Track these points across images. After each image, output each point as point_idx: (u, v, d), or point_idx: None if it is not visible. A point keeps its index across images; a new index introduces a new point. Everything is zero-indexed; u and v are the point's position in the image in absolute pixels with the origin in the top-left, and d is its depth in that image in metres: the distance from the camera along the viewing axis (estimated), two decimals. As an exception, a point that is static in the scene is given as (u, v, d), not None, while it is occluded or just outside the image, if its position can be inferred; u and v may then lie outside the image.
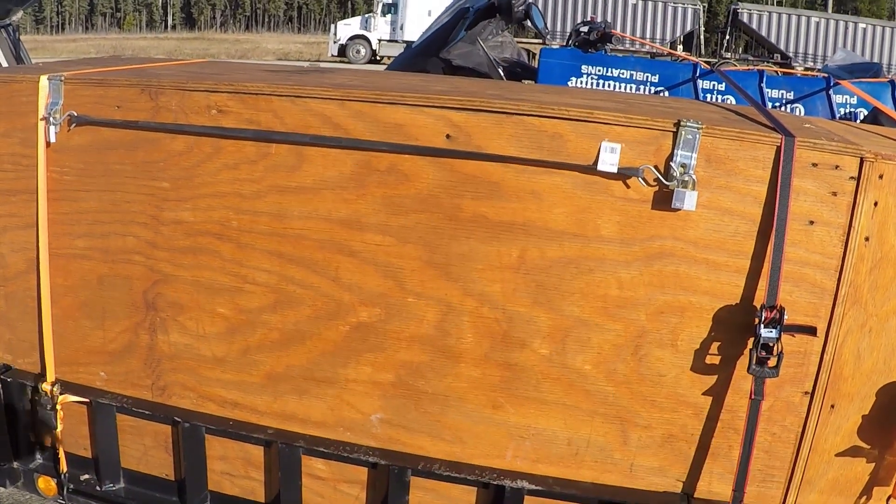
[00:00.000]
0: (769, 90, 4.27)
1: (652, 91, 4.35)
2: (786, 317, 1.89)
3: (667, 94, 4.26)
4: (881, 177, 1.89)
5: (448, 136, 1.94)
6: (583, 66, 4.37)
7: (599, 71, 4.35)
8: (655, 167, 1.89)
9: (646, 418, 2.02)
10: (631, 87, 4.35)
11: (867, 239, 1.92)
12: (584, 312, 1.97)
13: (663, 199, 1.90)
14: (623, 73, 4.33)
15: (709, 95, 4.23)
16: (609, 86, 4.30)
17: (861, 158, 1.87)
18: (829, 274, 1.93)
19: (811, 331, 1.96)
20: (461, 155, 1.94)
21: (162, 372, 2.24)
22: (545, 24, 4.89)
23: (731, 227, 1.91)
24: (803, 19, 18.59)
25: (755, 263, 1.92)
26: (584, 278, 1.95)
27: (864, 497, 2.09)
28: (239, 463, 2.25)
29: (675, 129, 1.88)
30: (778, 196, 1.87)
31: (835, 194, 1.89)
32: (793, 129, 1.94)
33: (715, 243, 1.92)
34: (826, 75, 4.46)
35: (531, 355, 2.00)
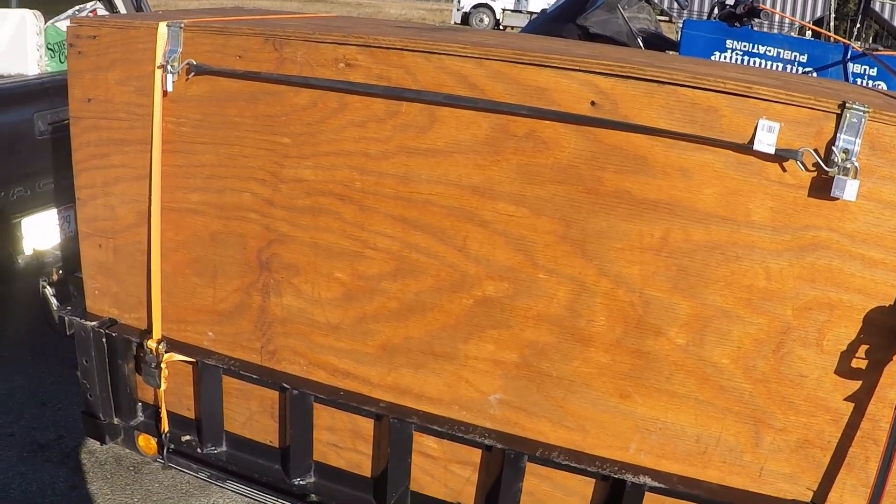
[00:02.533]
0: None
1: (800, 71, 4.14)
2: (938, 324, 1.75)
3: (815, 75, 4.06)
4: None
5: (593, 104, 1.83)
6: (727, 41, 4.17)
7: (745, 47, 4.15)
8: (815, 151, 1.75)
9: (781, 420, 1.89)
10: (778, 66, 4.15)
11: None
12: (727, 303, 1.84)
13: (822, 187, 1.76)
14: (770, 51, 4.13)
15: (859, 80, 4.01)
16: (754, 63, 4.11)
17: None
18: None
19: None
20: (607, 124, 1.83)
21: (273, 335, 2.18)
22: None
23: (892, 223, 1.77)
24: (936, 11, 17.88)
25: (911, 262, 1.78)
26: (730, 266, 1.83)
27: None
28: (347, 435, 2.18)
29: (839, 112, 1.73)
30: None
31: None
32: None
33: (873, 238, 1.78)
34: None
35: (666, 344, 1.88)
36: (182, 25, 2.15)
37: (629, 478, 1.94)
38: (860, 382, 1.85)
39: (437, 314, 2.00)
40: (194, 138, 2.19)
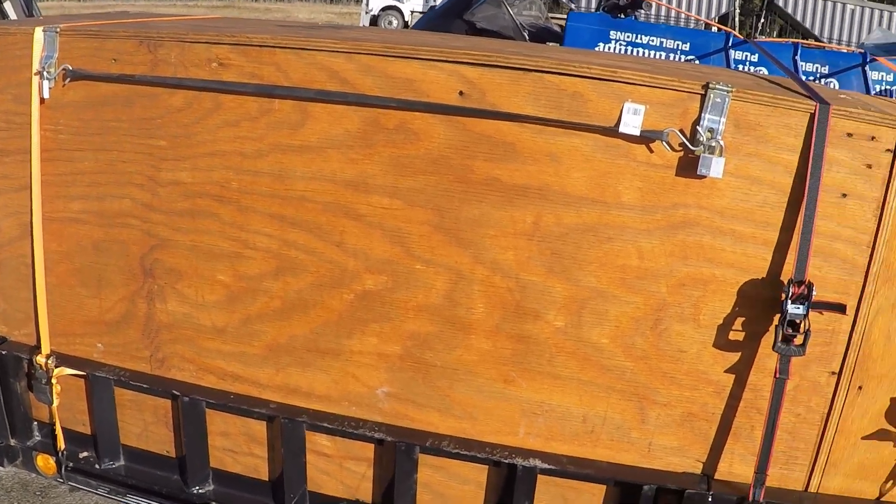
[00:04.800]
0: (803, 63, 4.13)
1: (683, 59, 4.21)
2: (814, 293, 1.78)
3: (697, 62, 4.13)
4: None
5: (461, 93, 1.83)
6: (611, 32, 4.23)
7: (629, 37, 4.21)
8: (681, 131, 1.78)
9: (665, 396, 1.92)
10: (661, 55, 4.22)
11: None
12: (602, 283, 1.86)
13: (688, 166, 1.79)
14: (653, 41, 4.20)
15: (741, 66, 4.09)
16: (638, 53, 4.17)
17: None
18: (861, 250, 1.82)
19: (840, 308, 1.85)
20: (474, 113, 1.84)
21: (161, 343, 2.15)
22: None
23: (759, 197, 1.81)
24: (839, 6, 18.24)
25: (784, 236, 1.82)
26: (603, 247, 1.85)
27: (891, 482, 1.99)
28: (241, 439, 2.16)
29: (703, 92, 1.77)
30: (810, 166, 1.76)
31: (870, 166, 1.78)
32: (828, 98, 1.83)
33: (742, 213, 1.81)
34: (862, 51, 4.32)
35: (545, 327, 1.90)
36: (58, 30, 2.11)
37: (519, 462, 1.95)
38: (739, 354, 1.88)
39: (320, 311, 1.99)
40: (73, 145, 2.15)
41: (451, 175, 1.86)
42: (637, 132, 1.78)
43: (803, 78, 4.03)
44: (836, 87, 4.09)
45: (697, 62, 4.12)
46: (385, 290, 1.94)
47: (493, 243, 1.87)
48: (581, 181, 1.83)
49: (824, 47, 5.07)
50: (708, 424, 1.94)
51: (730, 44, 4.13)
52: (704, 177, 1.79)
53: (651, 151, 1.80)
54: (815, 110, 1.76)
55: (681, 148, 1.79)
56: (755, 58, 4.09)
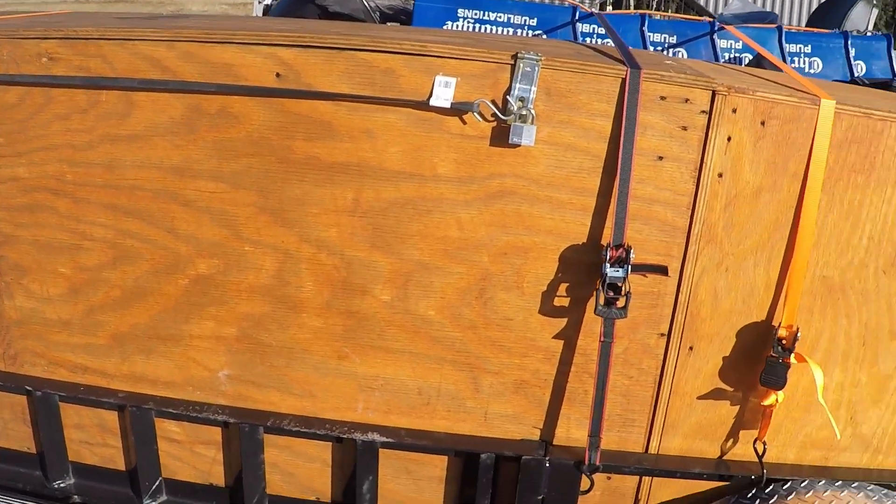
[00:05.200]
0: (651, 34, 4.16)
1: (530, 34, 4.25)
2: (633, 256, 1.82)
3: (545, 36, 4.17)
4: (734, 111, 1.82)
5: (278, 75, 1.86)
6: (459, 10, 4.23)
7: (476, 14, 4.22)
8: (493, 101, 1.81)
9: (496, 364, 1.95)
10: (509, 31, 4.24)
11: (720, 175, 1.85)
12: (425, 255, 1.90)
13: (502, 136, 1.83)
14: (500, 17, 4.21)
15: (588, 39, 4.13)
16: (486, 29, 4.18)
17: (713, 92, 1.81)
18: (681, 212, 1.87)
19: (662, 270, 1.89)
20: (291, 94, 1.87)
21: (12, 339, 2.16)
22: None
23: (574, 164, 1.84)
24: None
25: (601, 201, 1.86)
26: (423, 220, 1.88)
27: (731, 440, 2.03)
28: (95, 430, 2.17)
29: (512, 62, 1.80)
30: (623, 130, 1.80)
31: (685, 129, 1.83)
32: (646, 63, 1.87)
33: (558, 181, 1.85)
34: (711, 19, 4.37)
35: (373, 302, 1.93)
36: None
37: (359, 437, 1.97)
38: (566, 320, 1.92)
39: (158, 298, 2.01)
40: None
41: (272, 156, 1.89)
42: (448, 105, 1.82)
43: (651, 49, 4.08)
44: (685, 56, 4.13)
45: (545, 36, 4.15)
46: (217, 274, 1.97)
47: (317, 221, 1.90)
48: (397, 156, 1.86)
49: (675, 18, 5.10)
50: (541, 391, 1.97)
51: (576, 17, 4.16)
52: (518, 146, 1.83)
53: (464, 123, 1.84)
54: (626, 75, 1.79)
55: (493, 118, 1.82)
56: (603, 30, 4.13)
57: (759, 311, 1.95)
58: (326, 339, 1.96)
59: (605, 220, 1.86)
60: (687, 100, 1.81)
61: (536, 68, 1.80)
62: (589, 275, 1.88)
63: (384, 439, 1.97)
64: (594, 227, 1.87)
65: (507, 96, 1.80)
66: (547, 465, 1.96)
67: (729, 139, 1.84)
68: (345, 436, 1.97)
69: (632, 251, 1.83)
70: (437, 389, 1.97)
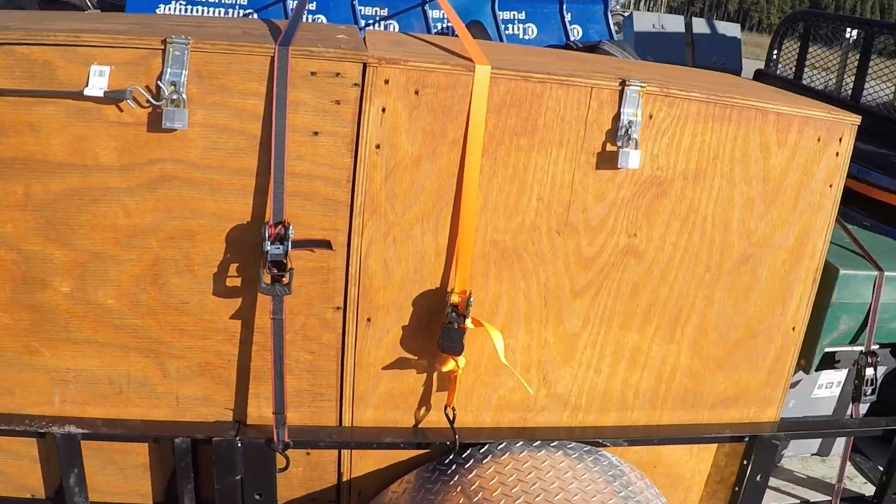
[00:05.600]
0: (362, 7, 4.24)
1: (241, 14, 4.32)
2: (292, 232, 1.86)
3: (255, 15, 4.24)
4: (387, 82, 1.87)
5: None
6: None
7: None
8: (147, 87, 1.86)
9: (179, 348, 1.99)
10: (220, 11, 4.32)
11: (378, 147, 1.90)
12: (97, 245, 1.94)
13: (158, 121, 1.87)
14: None
15: (367, 22, 4.22)
16: (198, 11, 4.26)
17: (364, 64, 1.86)
18: (342, 185, 1.91)
19: (325, 244, 1.93)
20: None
21: None
22: None
23: (231, 145, 1.89)
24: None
25: (261, 180, 1.90)
26: (90, 209, 1.92)
27: (423, 408, 2.06)
28: None
29: (163, 47, 1.85)
30: (275, 108, 1.84)
31: (338, 103, 1.87)
32: (301, 40, 1.91)
33: (216, 162, 1.89)
34: None
35: (54, 294, 1.97)
36: None
37: (55, 430, 2.00)
38: (240, 300, 1.96)
39: None
40: None
41: (-58, 157, 1.94)
42: (101, 93, 1.86)
43: (363, 23, 4.13)
44: (397, 28, 4.19)
45: (255, 16, 4.22)
46: None
47: (-9, 218, 1.95)
48: (61, 147, 1.90)
49: None
50: (227, 371, 2.00)
51: None
52: (174, 130, 1.87)
53: (121, 111, 1.88)
54: (274, 53, 1.84)
55: (148, 104, 1.87)
56: (314, 6, 4.20)
57: (432, 279, 1.99)
58: (15, 335, 1.99)
59: (266, 198, 1.90)
60: (338, 74, 1.86)
61: (186, 52, 1.84)
62: (255, 254, 1.92)
63: (82, 431, 2.00)
64: (256, 206, 1.91)
65: (159, 81, 1.85)
66: (239, 444, 1.99)
67: (383, 110, 1.88)
68: (43, 430, 2.00)
69: (290, 227, 1.87)
70: (126, 377, 2.00)
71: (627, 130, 1.96)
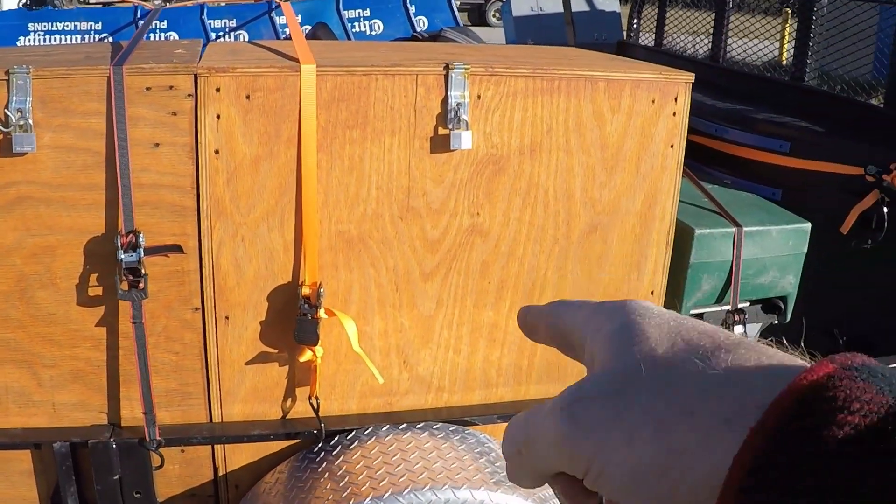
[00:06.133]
0: (211, 21, 4.33)
1: (97, 38, 4.44)
2: (143, 240, 1.96)
3: (110, 39, 4.36)
4: (218, 90, 1.97)
5: None
6: (30, 24, 4.45)
7: (46, 26, 4.44)
8: None
9: (50, 358, 2.09)
10: (78, 38, 4.45)
11: (217, 152, 1.99)
12: (-40, 266, 2.05)
13: (9, 146, 1.99)
14: (68, 25, 4.42)
15: (153, 35, 4.31)
16: (56, 40, 4.39)
17: (195, 75, 1.96)
18: (186, 192, 2.01)
19: (177, 249, 2.03)
20: None
21: None
22: None
23: (78, 163, 1.99)
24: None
25: (110, 194, 2.00)
26: (-45, 234, 2.04)
27: (290, 399, 2.14)
28: None
29: (7, 78, 1.96)
30: (115, 125, 1.95)
31: (175, 114, 1.97)
32: (137, 58, 2.02)
33: (67, 181, 2.00)
34: (269, 0, 4.54)
35: (-72, 315, 2.09)
36: None
37: (-58, 443, 2.12)
38: (103, 307, 2.06)
39: None
40: None
41: None
42: None
43: (214, 36, 4.22)
44: (246, 38, 4.27)
45: (111, 39, 4.34)
46: None
47: None
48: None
49: (234, 2, 5.25)
50: (98, 377, 2.10)
51: (137, 16, 4.36)
52: (24, 154, 1.99)
53: (-29, 141, 2.00)
54: (109, 73, 1.95)
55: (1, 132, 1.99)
56: (164, 24, 4.30)
57: (283, 274, 2.07)
58: None
59: (117, 210, 2.00)
60: (171, 87, 1.96)
61: (28, 80, 1.96)
62: (112, 264, 2.02)
63: (-34, 442, 2.11)
64: (108, 218, 2.01)
65: (6, 110, 1.96)
66: (114, 446, 2.08)
67: (218, 117, 1.98)
68: (-79, 443, 2.12)
69: (141, 235, 1.97)
70: (4, 388, 2.11)
71: (457, 113, 2.02)
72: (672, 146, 2.17)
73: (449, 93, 2.03)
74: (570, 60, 2.25)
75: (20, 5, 4.92)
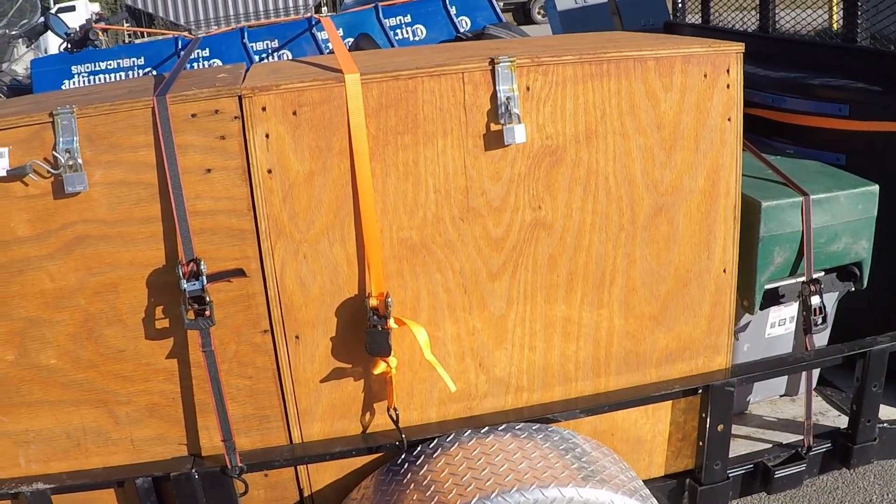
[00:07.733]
0: (253, 43, 4.28)
1: (141, 73, 4.40)
2: (204, 267, 1.93)
3: (154, 72, 4.31)
4: (264, 109, 1.94)
5: None
6: (73, 67, 4.41)
7: (89, 68, 4.39)
8: (45, 159, 1.96)
9: (124, 394, 2.08)
10: (122, 75, 4.40)
11: (270, 171, 1.97)
12: (30, 311, 2.04)
13: (62, 187, 1.97)
14: (111, 64, 4.37)
15: (196, 64, 4.26)
16: (101, 79, 4.35)
17: (239, 97, 1.93)
18: (243, 214, 1.99)
19: (239, 273, 2.01)
20: None
21: None
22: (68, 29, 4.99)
23: (132, 197, 1.97)
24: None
25: (167, 224, 1.99)
26: (18, 280, 2.02)
27: (368, 413, 2.11)
28: None
29: (52, 120, 1.94)
30: (165, 155, 1.92)
31: (223, 138, 1.95)
32: (180, 86, 1.99)
33: (122, 216, 1.98)
34: (309, 16, 4.48)
35: (1, 364, 2.08)
36: None
37: (25, 489, 2.11)
38: (172, 339, 2.05)
39: None
40: None
41: None
42: (4, 173, 1.97)
43: (257, 58, 4.16)
44: (289, 57, 4.20)
45: (155, 72, 4.29)
46: None
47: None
48: (-21, 228, 2.02)
49: (275, 22, 5.18)
50: (173, 409, 2.09)
51: (179, 46, 4.31)
52: (77, 193, 1.97)
53: (27, 185, 1.98)
54: (153, 104, 1.93)
55: (50, 174, 1.97)
56: (207, 52, 4.26)
57: (349, 288, 2.04)
58: (-27, 408, 2.11)
59: (176, 240, 1.98)
60: (217, 111, 1.93)
61: (73, 119, 1.94)
62: (176, 294, 2.00)
63: (50, 486, 2.10)
64: (168, 249, 1.99)
65: (54, 151, 1.94)
66: (196, 476, 2.06)
67: (267, 136, 1.95)
68: (14, 490, 2.12)
69: (202, 263, 1.94)
70: (82, 430, 2.10)
71: (507, 107, 1.98)
72: (729, 119, 2.11)
73: (497, 87, 1.99)
74: (615, 43, 2.20)
75: (60, 49, 4.90)
